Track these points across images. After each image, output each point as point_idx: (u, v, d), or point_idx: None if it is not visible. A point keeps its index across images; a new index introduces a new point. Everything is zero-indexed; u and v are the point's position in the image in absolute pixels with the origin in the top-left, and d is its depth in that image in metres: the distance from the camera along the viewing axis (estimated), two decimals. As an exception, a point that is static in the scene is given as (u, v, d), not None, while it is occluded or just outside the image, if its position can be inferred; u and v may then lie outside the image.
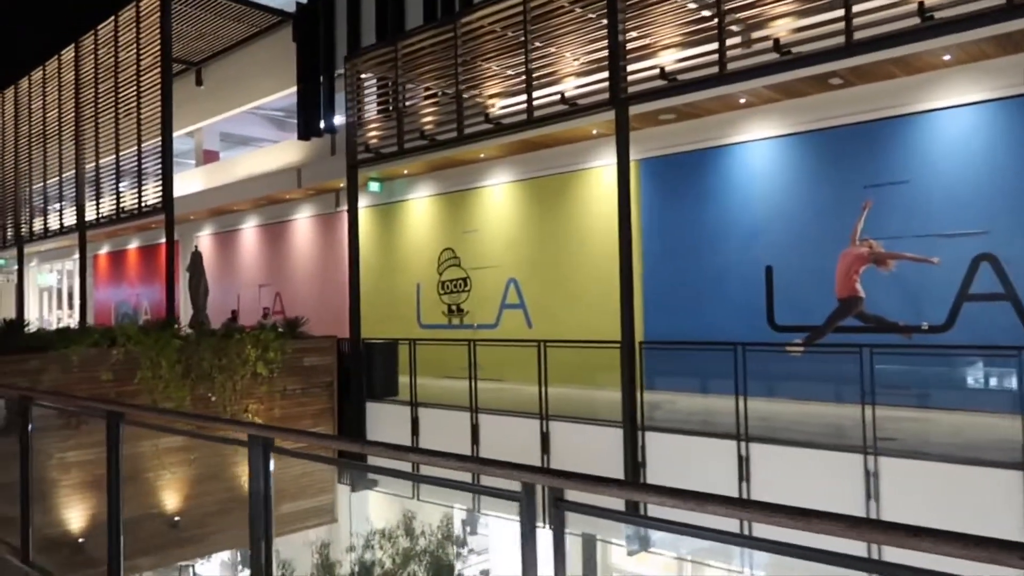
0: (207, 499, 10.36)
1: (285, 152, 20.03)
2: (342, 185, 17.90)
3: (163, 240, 25.31)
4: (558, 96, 9.60)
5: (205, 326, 12.91)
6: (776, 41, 7.69)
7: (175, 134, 15.89)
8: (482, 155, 14.60)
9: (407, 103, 11.73)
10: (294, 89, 20.03)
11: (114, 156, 17.38)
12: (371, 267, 17.72)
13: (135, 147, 16.59)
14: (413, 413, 11.60)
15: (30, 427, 4.65)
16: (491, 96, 10.41)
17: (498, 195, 14.98)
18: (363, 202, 17.98)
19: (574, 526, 2.54)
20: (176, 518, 9.97)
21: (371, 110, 12.52)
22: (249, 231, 21.77)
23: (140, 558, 9.73)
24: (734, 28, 8.05)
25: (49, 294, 32.99)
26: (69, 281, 31.71)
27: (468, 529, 14.27)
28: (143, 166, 16.67)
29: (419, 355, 12.77)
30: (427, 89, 11.60)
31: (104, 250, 28.69)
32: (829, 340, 10.19)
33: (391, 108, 11.92)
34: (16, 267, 34.52)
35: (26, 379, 8.85)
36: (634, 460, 8.82)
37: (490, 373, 14.27)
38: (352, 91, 12.54)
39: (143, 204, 16.95)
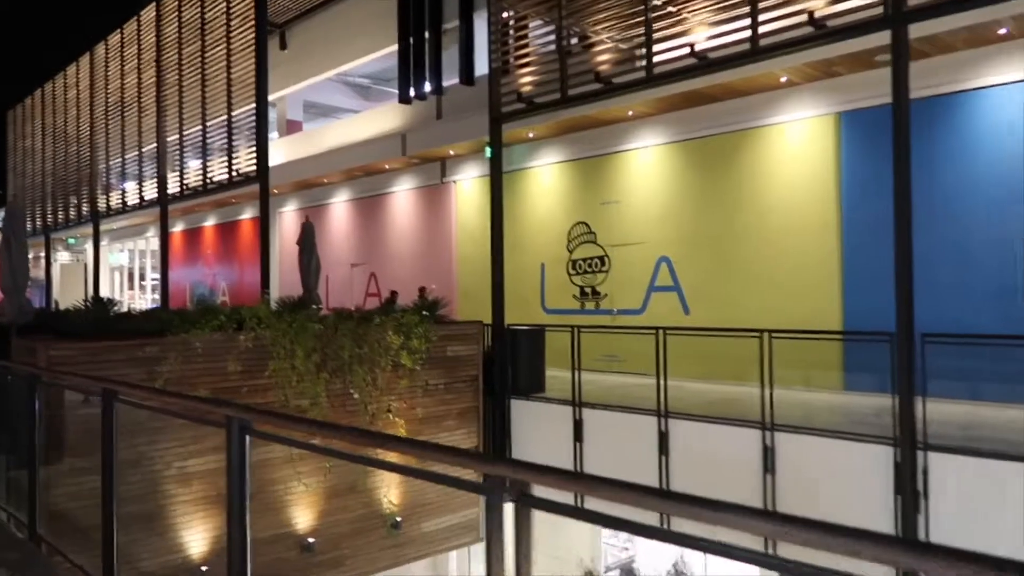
0: (343, 516, 8.60)
1: (384, 118, 18.22)
2: (452, 152, 16.09)
3: (243, 216, 23.92)
4: (801, 18, 7.47)
5: (318, 306, 11.15)
6: None
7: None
8: (630, 112, 12.55)
9: (571, 41, 9.70)
10: (390, 49, 18.21)
11: (200, 122, 15.74)
12: (484, 244, 15.81)
13: (224, 111, 14.91)
14: (576, 414, 9.66)
15: (246, 472, 2.82)
16: (694, 25, 8.30)
17: (647, 159, 12.91)
18: (474, 171, 16.14)
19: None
20: (310, 540, 8.22)
21: (520, 53, 10.52)
22: (339, 206, 20.08)
23: (268, 588, 8.00)
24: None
25: (120, 273, 32.00)
26: (140, 260, 30.63)
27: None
28: (234, 132, 15.01)
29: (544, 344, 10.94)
30: (596, 24, 9.53)
31: (178, 228, 27.42)
32: None
33: (554, 46, 9.89)
34: (87, 245, 33.67)
35: (141, 369, 7.14)
36: (912, 488, 6.74)
37: (632, 366, 12.32)
38: (498, 32, 10.57)
39: (234, 173, 15.29)
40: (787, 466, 7.78)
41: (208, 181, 16.09)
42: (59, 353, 6.68)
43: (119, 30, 19.86)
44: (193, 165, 16.80)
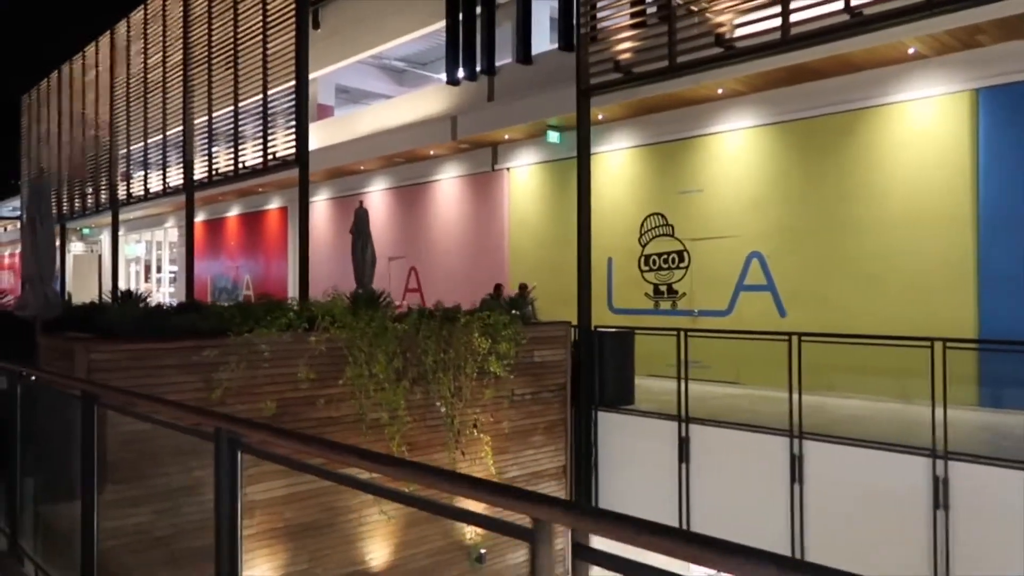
0: (422, 548, 7.33)
1: (428, 100, 16.95)
2: (507, 136, 14.81)
3: (270, 206, 22.69)
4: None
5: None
6: None
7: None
8: (720, 90, 11.25)
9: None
10: (432, 28, 16.98)
11: (232, 102, 14.50)
12: (541, 237, 14.61)
13: (259, 90, 13.71)
14: (682, 431, 8.38)
15: None
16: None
17: (737, 143, 11.60)
18: (532, 157, 14.87)
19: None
20: (386, 579, 6.96)
21: (617, 15, 9.22)
22: (376, 195, 18.82)
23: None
24: None
25: (136, 265, 30.79)
26: (157, 252, 29.44)
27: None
28: (270, 112, 13.83)
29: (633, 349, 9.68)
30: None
31: (198, 219, 26.17)
32: None
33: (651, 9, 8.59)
34: (101, 236, 32.50)
35: (196, 377, 5.89)
36: None
37: (718, 374, 11.05)
38: (587, -8, 9.27)
39: (269, 157, 14.11)
40: (964, 502, 6.48)
41: (240, 166, 14.90)
42: (102, 357, 5.43)
43: (142, 5, 18.63)
44: (223, 149, 15.65)
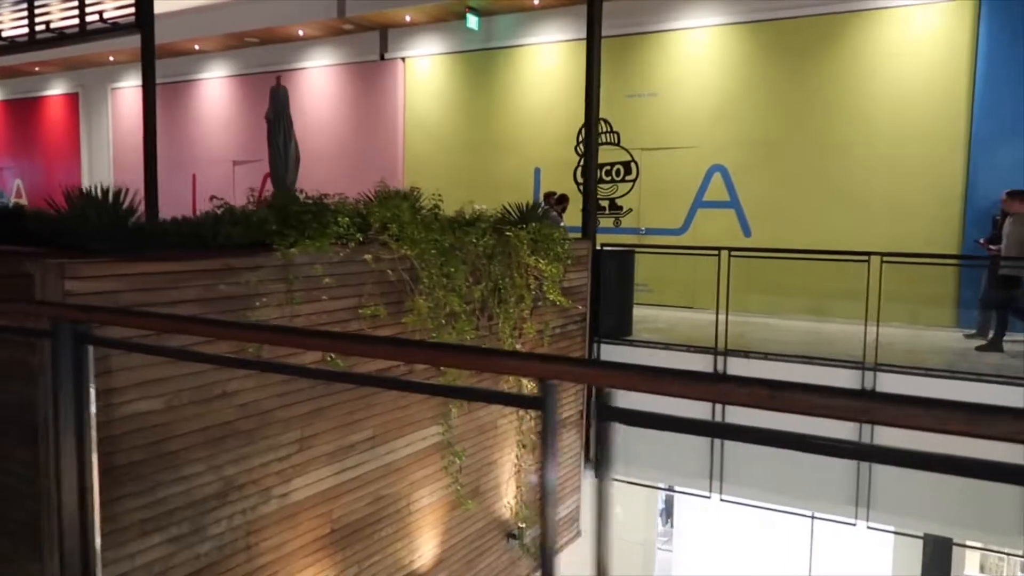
0: (467, 532, 5.61)
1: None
2: (409, 18, 12.44)
3: (50, 92, 17.91)
4: None
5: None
6: None
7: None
8: (689, -20, 9.97)
9: None
10: None
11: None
12: (447, 142, 12.66)
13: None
14: (717, 365, 7.29)
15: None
16: None
17: (699, 43, 10.44)
18: (436, 46, 12.69)
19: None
20: (440, 580, 5.17)
21: None
22: (214, 84, 15.35)
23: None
24: None
25: None
26: None
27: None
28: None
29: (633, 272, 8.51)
30: None
31: (-65, 104, 20.28)
32: None
33: None
34: None
35: (225, 313, 3.60)
36: None
37: (669, 297, 10.26)
38: None
39: (89, 17, 10.77)
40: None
41: (43, 28, 11.23)
42: (85, 287, 3.01)
43: None
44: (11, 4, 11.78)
